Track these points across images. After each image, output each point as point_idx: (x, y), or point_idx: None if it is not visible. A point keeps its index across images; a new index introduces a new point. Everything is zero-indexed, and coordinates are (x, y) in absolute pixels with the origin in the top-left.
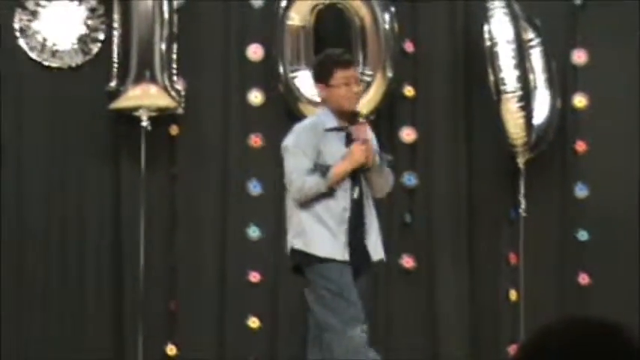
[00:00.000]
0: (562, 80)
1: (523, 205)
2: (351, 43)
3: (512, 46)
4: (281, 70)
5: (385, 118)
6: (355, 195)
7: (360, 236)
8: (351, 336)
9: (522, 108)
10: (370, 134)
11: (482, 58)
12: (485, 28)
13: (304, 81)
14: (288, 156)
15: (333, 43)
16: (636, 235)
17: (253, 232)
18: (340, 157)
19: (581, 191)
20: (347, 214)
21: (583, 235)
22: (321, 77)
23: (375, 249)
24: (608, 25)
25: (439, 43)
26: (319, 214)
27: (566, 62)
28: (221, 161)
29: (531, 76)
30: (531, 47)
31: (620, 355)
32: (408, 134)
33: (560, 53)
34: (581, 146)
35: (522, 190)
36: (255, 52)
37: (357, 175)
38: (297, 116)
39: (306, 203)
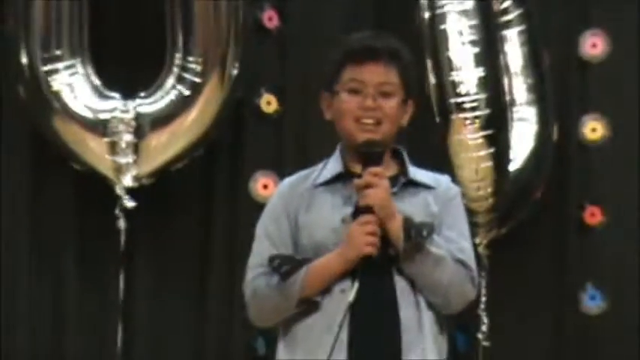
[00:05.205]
0: None
1: None
2: None
3: None
4: None
5: None
6: (351, 298)
7: None
8: None
9: None
10: (383, 193)
11: None
12: None
13: None
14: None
15: None
16: None
17: None
18: (331, 231)
19: None
20: (339, 334)
21: None
22: (326, 82)
23: None
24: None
25: None
26: (293, 338)
27: None
28: None
29: None
30: None
31: None
32: None
33: None
34: None
35: None
36: None
37: (361, 266)
38: None
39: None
